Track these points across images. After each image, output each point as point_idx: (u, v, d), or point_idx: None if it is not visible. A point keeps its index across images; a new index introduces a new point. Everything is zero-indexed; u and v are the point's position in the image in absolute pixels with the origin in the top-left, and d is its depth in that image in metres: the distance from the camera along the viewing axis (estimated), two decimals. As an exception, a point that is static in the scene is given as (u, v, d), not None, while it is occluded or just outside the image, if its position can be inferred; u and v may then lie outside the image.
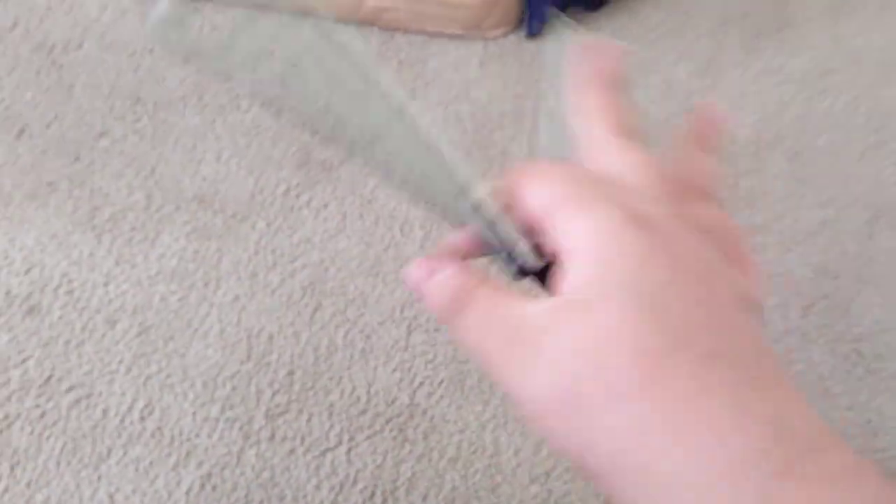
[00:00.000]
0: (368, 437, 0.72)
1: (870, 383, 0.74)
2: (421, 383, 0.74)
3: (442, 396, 0.73)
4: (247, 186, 0.86)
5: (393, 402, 0.73)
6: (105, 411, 0.72)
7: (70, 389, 0.73)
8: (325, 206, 0.85)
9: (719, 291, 0.28)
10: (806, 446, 0.26)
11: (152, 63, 0.97)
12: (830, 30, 1.02)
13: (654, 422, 0.26)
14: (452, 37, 1.00)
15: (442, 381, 0.74)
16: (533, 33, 0.99)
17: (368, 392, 0.74)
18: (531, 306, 0.29)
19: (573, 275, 0.28)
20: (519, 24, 1.01)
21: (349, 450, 0.71)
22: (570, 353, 0.27)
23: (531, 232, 0.31)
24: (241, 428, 0.72)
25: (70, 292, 0.78)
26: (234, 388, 0.73)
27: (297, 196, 0.86)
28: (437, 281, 0.32)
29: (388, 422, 0.72)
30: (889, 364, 0.75)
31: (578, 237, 0.29)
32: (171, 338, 0.76)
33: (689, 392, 0.26)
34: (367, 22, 1.00)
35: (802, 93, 0.95)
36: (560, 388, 0.27)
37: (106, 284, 0.79)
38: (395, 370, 0.75)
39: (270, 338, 0.76)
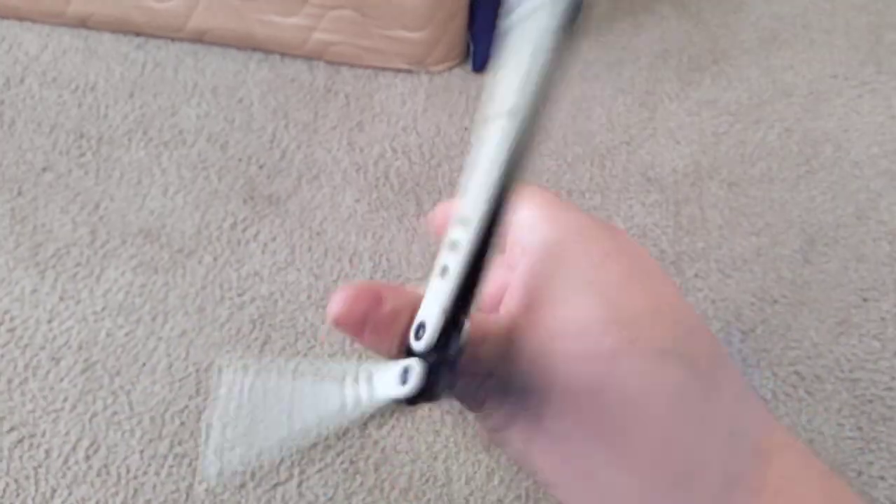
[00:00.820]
0: (319, 470, 0.72)
1: (810, 404, 0.76)
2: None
3: (393, 427, 0.74)
4: (193, 220, 0.86)
5: (343, 433, 0.73)
6: (48, 451, 0.70)
7: (12, 429, 0.71)
8: (273, 238, 0.85)
9: (671, 291, 0.29)
10: (757, 455, 0.26)
11: (95, 99, 0.97)
12: (762, 63, 1.05)
13: (606, 432, 0.26)
14: (398, 71, 1.01)
15: (393, 412, 0.75)
16: (478, 67, 1.01)
17: (319, 424, 0.73)
18: (485, 325, 0.29)
19: (535, 268, 0.28)
20: (464, 58, 1.03)
21: (300, 483, 0.71)
22: (528, 359, 0.27)
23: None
24: (190, 464, 0.71)
25: (12, 330, 0.76)
26: (182, 424, 0.72)
27: (245, 230, 0.86)
28: (383, 314, 0.31)
29: (339, 454, 0.72)
30: (827, 385, 0.77)
31: (542, 231, 0.29)
32: (117, 374, 0.74)
33: (644, 395, 0.26)
34: (313, 56, 1.01)
35: (737, 124, 0.98)
36: (531, 388, 0.27)
37: (50, 321, 0.77)
38: (345, 402, 0.75)
39: (220, 373, 0.75)
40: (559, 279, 0.28)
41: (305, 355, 0.77)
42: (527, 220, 0.30)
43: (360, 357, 0.77)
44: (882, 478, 0.72)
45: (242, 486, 0.70)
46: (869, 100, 1.02)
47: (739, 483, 0.26)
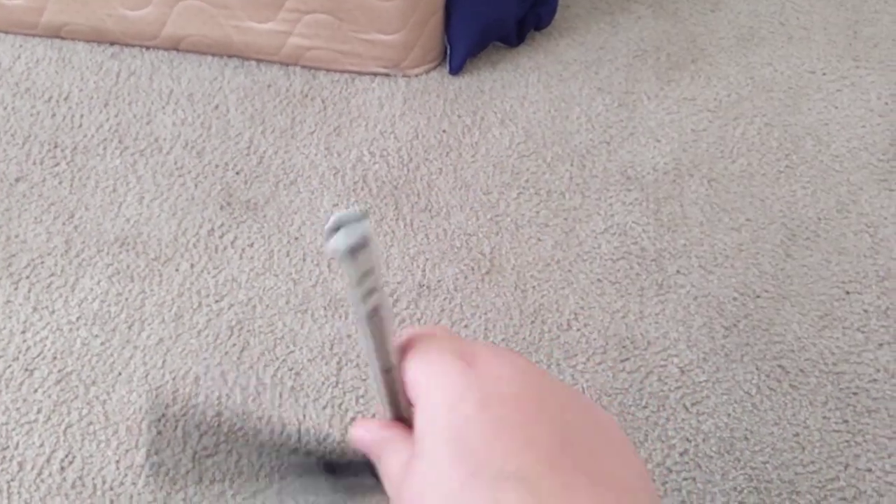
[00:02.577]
0: (300, 476, 0.70)
1: (794, 398, 0.76)
2: (353, 418, 0.73)
3: (374, 430, 0.73)
4: (170, 228, 0.85)
5: (325, 439, 0.72)
6: (22, 464, 0.69)
7: (-14, 442, 0.70)
8: (251, 244, 0.84)
9: (525, 406, 0.32)
10: None
11: (69, 109, 0.96)
12: (740, 60, 1.05)
13: None
14: (375, 74, 1.01)
15: (373, 416, 0.74)
16: (455, 70, 1.01)
17: (299, 430, 0.72)
18: (399, 462, 0.34)
19: (416, 426, 0.33)
20: (441, 61, 1.02)
21: (280, 490, 0.70)
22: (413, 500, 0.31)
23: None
24: (167, 472, 0.70)
25: (-15, 341, 0.75)
26: (159, 433, 0.71)
27: (222, 236, 0.85)
28: (363, 429, 0.38)
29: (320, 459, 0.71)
30: (811, 378, 0.77)
31: (419, 387, 0.34)
32: (92, 383, 0.73)
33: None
34: (290, 61, 1.00)
35: (717, 121, 0.98)
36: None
37: (23, 332, 0.76)
38: (325, 406, 0.74)
39: (197, 379, 0.75)
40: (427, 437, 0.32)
41: (284, 360, 0.76)
42: (418, 383, 0.34)
43: (338, 362, 0.76)
44: (869, 470, 0.72)
45: (221, 494, 0.69)
46: (848, 94, 1.02)
47: None
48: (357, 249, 0.30)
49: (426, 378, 0.33)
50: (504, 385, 0.32)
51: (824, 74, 1.04)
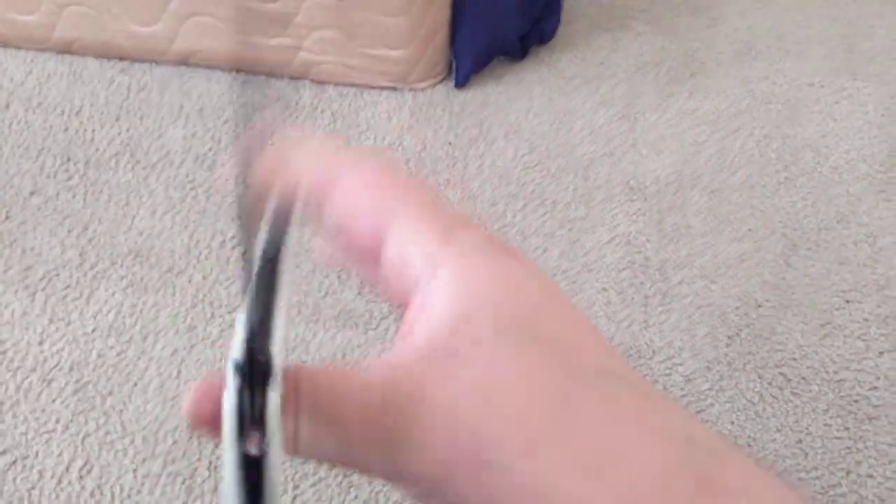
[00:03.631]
0: (313, 485, 0.72)
1: (797, 405, 0.77)
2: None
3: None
4: (182, 240, 0.87)
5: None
6: (42, 472, 0.70)
7: (5, 452, 0.71)
8: (262, 256, 0.86)
9: (577, 310, 0.27)
10: (714, 456, 0.25)
11: (81, 123, 0.97)
12: (738, 74, 1.07)
13: (574, 464, 0.24)
14: (383, 88, 1.02)
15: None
16: (460, 83, 1.03)
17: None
18: (382, 372, 0.24)
19: (434, 317, 0.25)
20: (447, 74, 1.04)
21: (294, 497, 0.71)
22: (462, 406, 0.23)
23: None
24: (184, 482, 0.71)
25: (3, 353, 0.77)
26: (175, 442, 0.72)
27: (234, 248, 0.86)
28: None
29: (332, 467, 0.72)
30: (813, 386, 0.78)
31: (442, 267, 0.25)
32: (109, 394, 0.75)
33: (605, 423, 0.24)
34: (299, 76, 1.02)
35: (716, 133, 1.00)
36: (458, 450, 0.23)
37: (40, 343, 0.77)
38: (338, 415, 0.75)
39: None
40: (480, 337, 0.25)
41: (297, 370, 0.78)
42: (441, 285, 0.26)
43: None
44: (871, 476, 0.73)
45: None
46: (846, 106, 1.04)
47: (710, 487, 0.25)
48: None
49: (454, 257, 0.25)
50: (549, 281, 0.27)
51: (822, 87, 1.06)
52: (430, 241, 0.26)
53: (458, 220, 0.26)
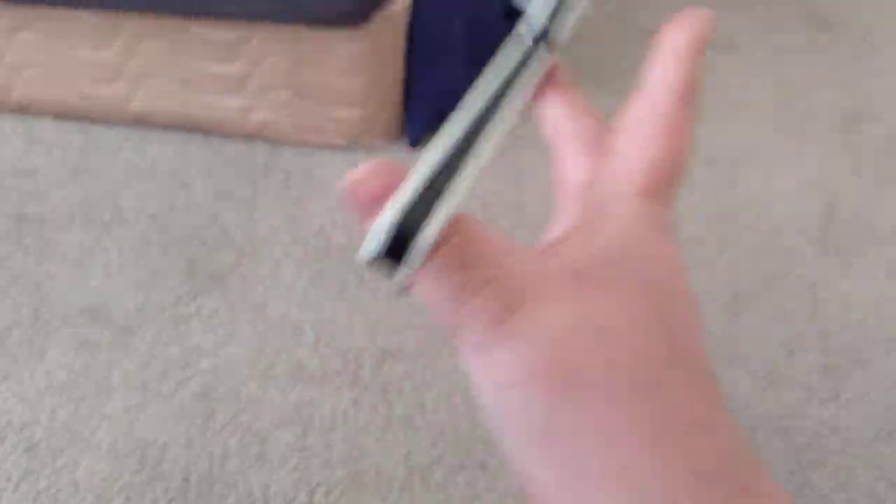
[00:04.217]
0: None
1: (744, 455, 0.79)
2: (318, 484, 0.75)
3: (342, 493, 0.74)
4: (135, 298, 0.87)
5: (292, 500, 0.73)
6: (-11, 534, 0.69)
7: (-50, 514, 0.70)
8: (216, 313, 0.86)
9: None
10: (752, 466, 0.27)
11: (36, 183, 0.98)
12: (683, 134, 1.11)
13: (643, 426, 0.25)
14: (337, 147, 1.04)
15: (339, 481, 0.75)
16: (414, 142, 1.05)
17: (265, 496, 0.74)
18: (523, 259, 0.27)
19: (590, 249, 0.28)
20: (401, 134, 1.07)
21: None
22: (587, 324, 0.25)
23: None
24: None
25: (-49, 413, 0.76)
26: (127, 499, 0.72)
27: (187, 305, 0.87)
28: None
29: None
30: (759, 435, 0.80)
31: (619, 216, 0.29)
32: (60, 452, 0.74)
33: (683, 403, 0.26)
34: (254, 136, 1.04)
35: (663, 190, 1.03)
36: (562, 358, 0.25)
37: (-11, 403, 0.77)
38: (291, 472, 0.75)
39: (164, 447, 0.76)
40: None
41: (249, 428, 0.78)
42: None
43: (304, 428, 0.78)
44: (816, 522, 0.75)
45: (188, 560, 0.70)
46: (784, 165, 1.08)
47: (750, 487, 0.27)
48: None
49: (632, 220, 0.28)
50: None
51: (761, 147, 1.10)
52: (633, 185, 0.29)
53: (669, 184, 0.30)
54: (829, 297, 0.92)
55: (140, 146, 1.03)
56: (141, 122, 1.05)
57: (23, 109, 1.04)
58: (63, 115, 1.05)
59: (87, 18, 0.97)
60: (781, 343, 0.88)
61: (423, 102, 1.04)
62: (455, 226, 0.26)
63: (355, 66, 0.97)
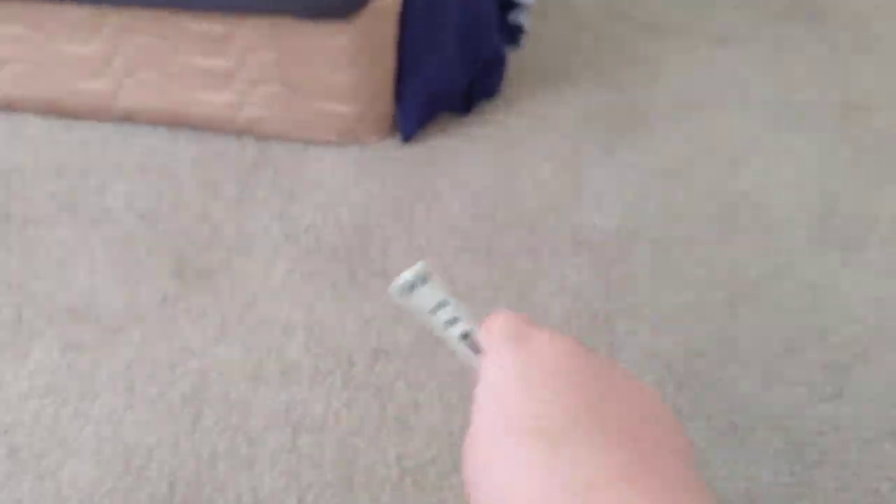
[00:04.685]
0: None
1: (744, 453, 0.77)
2: (309, 486, 0.73)
3: (333, 495, 0.72)
4: (121, 297, 0.85)
5: (281, 507, 0.72)
6: (-30, 541, 0.67)
7: (-70, 520, 0.68)
8: (204, 312, 0.84)
9: (559, 382, 0.40)
10: (589, 486, 0.34)
11: (21, 180, 0.96)
12: (681, 128, 1.10)
13: (503, 478, 0.36)
14: (328, 143, 1.02)
15: (330, 483, 0.73)
16: (406, 138, 1.03)
17: (255, 499, 0.72)
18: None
19: (479, 384, 0.42)
20: (393, 129, 1.05)
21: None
22: (470, 446, 0.39)
23: None
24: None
25: (-69, 416, 0.74)
26: (111, 505, 0.70)
27: (174, 304, 0.85)
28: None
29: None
30: (759, 434, 0.79)
31: (485, 360, 0.44)
32: (43, 456, 0.72)
33: (514, 459, 0.37)
34: (243, 132, 1.02)
35: (659, 185, 1.02)
36: (470, 467, 0.40)
37: (-29, 405, 0.75)
38: (281, 475, 0.73)
39: (149, 450, 0.74)
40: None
41: (239, 428, 0.76)
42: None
43: (294, 429, 0.76)
44: (818, 523, 0.73)
45: (175, 566, 0.68)
46: (783, 158, 1.06)
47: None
48: (406, 289, 0.43)
49: (491, 348, 0.43)
50: (546, 362, 0.40)
51: (759, 140, 1.08)
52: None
53: (503, 335, 0.43)
54: (829, 293, 0.91)
55: (127, 142, 1.01)
56: (127, 117, 1.03)
57: (6, 106, 1.02)
58: (47, 111, 1.03)
59: (70, 12, 0.95)
60: (781, 340, 0.86)
61: (415, 98, 1.02)
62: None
63: (345, 61, 0.96)
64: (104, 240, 0.90)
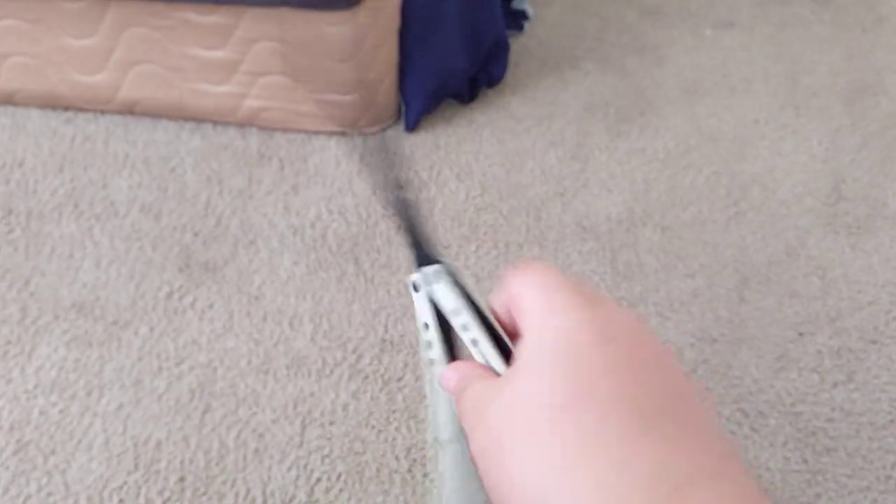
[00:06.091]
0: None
1: (755, 441, 0.77)
2: (318, 479, 0.73)
3: (341, 490, 0.72)
4: (128, 292, 0.85)
5: (290, 500, 0.71)
6: (-20, 538, 0.67)
7: (-60, 518, 0.68)
8: (211, 306, 0.84)
9: (640, 354, 0.34)
10: (681, 484, 0.29)
11: (23, 175, 0.95)
12: (687, 112, 1.09)
13: (554, 458, 0.30)
14: (332, 133, 1.02)
15: (340, 475, 0.73)
16: (410, 127, 1.02)
17: (264, 493, 0.72)
18: (488, 385, 0.36)
19: (522, 341, 0.35)
20: (396, 118, 1.04)
21: None
22: (501, 415, 0.33)
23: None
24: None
25: (-61, 414, 0.74)
26: (121, 501, 0.70)
27: (181, 298, 0.85)
28: (452, 369, 0.39)
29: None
30: (771, 420, 0.78)
31: (532, 303, 0.35)
32: (52, 452, 0.72)
33: (587, 436, 0.30)
34: (246, 123, 1.01)
35: (666, 171, 1.01)
36: (490, 440, 0.33)
37: (-22, 403, 0.75)
38: (290, 468, 0.73)
39: (158, 445, 0.73)
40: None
41: (247, 422, 0.75)
42: (532, 300, 0.36)
43: (302, 422, 0.76)
44: (830, 509, 0.73)
45: None
46: (791, 141, 1.05)
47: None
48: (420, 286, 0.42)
49: (544, 300, 0.35)
50: (623, 332, 0.33)
51: (767, 123, 1.07)
52: (532, 300, 0.36)
53: (558, 287, 0.36)
54: (838, 277, 0.90)
55: (130, 135, 1.01)
56: (130, 110, 1.02)
57: (8, 99, 1.02)
58: (49, 104, 1.02)
59: (71, 5, 0.94)
60: (791, 325, 0.85)
61: (417, 87, 1.01)
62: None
63: (348, 50, 0.95)
64: (109, 234, 0.90)
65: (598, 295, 0.36)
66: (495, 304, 0.40)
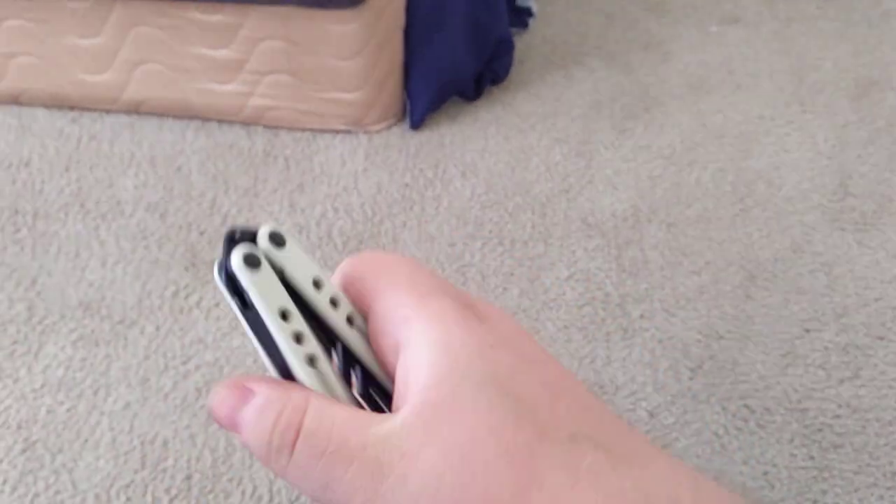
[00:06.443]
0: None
1: (762, 437, 0.77)
2: (325, 476, 0.73)
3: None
4: (134, 291, 0.85)
5: (297, 498, 0.72)
6: (-12, 537, 0.68)
7: (-51, 517, 0.68)
8: (217, 304, 0.84)
9: (556, 371, 0.29)
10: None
11: (30, 175, 0.96)
12: (692, 108, 1.08)
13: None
14: (337, 132, 1.02)
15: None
16: (416, 125, 1.03)
17: (271, 490, 0.72)
18: (376, 428, 0.27)
19: (420, 374, 0.27)
20: (402, 116, 1.04)
21: None
22: (439, 469, 0.25)
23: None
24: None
25: (-53, 413, 0.74)
26: (128, 499, 0.70)
27: (187, 297, 0.85)
28: (255, 406, 0.28)
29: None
30: (777, 416, 0.78)
31: (418, 330, 0.28)
32: (59, 451, 0.72)
33: (564, 487, 0.25)
34: (251, 122, 1.01)
35: (672, 167, 1.01)
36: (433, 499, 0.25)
37: (-14, 402, 0.75)
38: (297, 465, 0.73)
39: (165, 443, 0.74)
40: (458, 387, 0.27)
41: (254, 420, 0.76)
42: (416, 322, 0.29)
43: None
44: (837, 505, 0.73)
45: (193, 559, 0.68)
46: (796, 137, 1.05)
47: None
48: (234, 272, 0.30)
49: (430, 322, 0.28)
50: (525, 344, 0.29)
51: (773, 120, 1.07)
52: (406, 305, 0.30)
53: (433, 289, 0.30)
54: (845, 273, 0.90)
55: (135, 135, 1.01)
56: (136, 109, 1.02)
57: (14, 99, 1.02)
58: (55, 104, 1.02)
59: (75, 5, 0.94)
60: (797, 321, 0.85)
61: (422, 85, 1.01)
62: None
63: (353, 48, 0.95)
64: (115, 233, 0.90)
65: (468, 297, 0.31)
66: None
